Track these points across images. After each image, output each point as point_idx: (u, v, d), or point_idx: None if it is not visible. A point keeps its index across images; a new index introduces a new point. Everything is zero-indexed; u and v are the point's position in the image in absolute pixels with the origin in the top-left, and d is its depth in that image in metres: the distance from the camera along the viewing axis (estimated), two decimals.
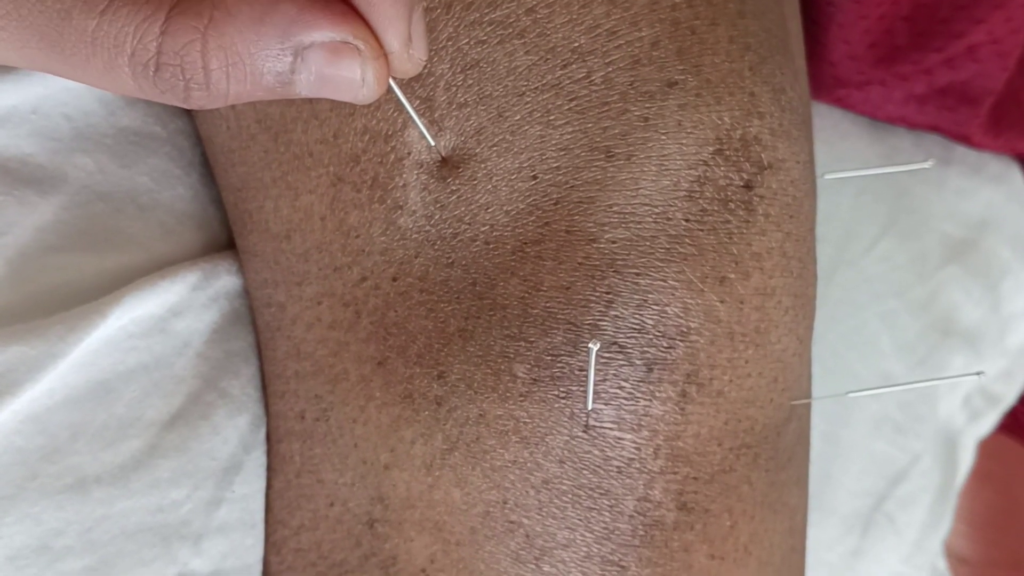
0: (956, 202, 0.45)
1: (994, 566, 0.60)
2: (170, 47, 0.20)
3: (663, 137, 0.25)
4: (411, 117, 0.25)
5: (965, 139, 0.45)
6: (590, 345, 0.24)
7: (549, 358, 0.26)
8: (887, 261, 0.44)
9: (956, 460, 0.47)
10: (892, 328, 0.44)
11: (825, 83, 0.42)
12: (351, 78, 0.20)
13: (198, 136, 0.31)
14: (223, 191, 0.30)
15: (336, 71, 0.20)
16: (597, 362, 0.25)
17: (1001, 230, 0.46)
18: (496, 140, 0.26)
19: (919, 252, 0.44)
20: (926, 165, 0.30)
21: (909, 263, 0.44)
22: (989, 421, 0.49)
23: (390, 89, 0.22)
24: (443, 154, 0.26)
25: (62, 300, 0.27)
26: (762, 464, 0.28)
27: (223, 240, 0.31)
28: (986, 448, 0.51)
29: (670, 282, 0.25)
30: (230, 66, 0.20)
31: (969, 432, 0.48)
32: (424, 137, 0.26)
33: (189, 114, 0.31)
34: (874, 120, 0.45)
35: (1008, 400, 0.50)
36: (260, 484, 0.30)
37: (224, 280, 0.30)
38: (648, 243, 0.25)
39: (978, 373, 0.31)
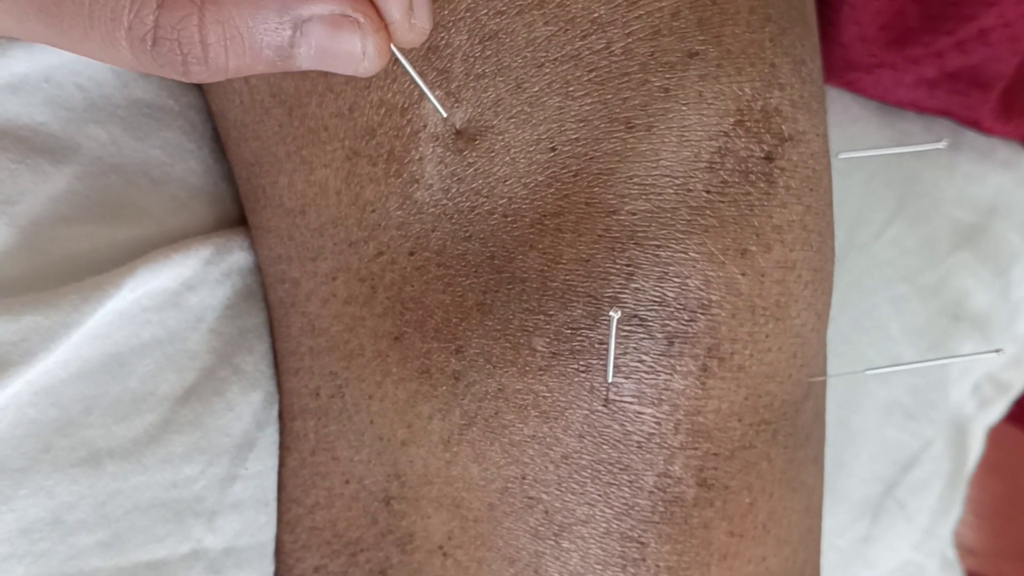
0: (966, 187, 0.45)
1: (1002, 557, 0.60)
2: (167, 21, 0.20)
3: (683, 108, 0.25)
4: (419, 87, 0.24)
5: (975, 124, 0.45)
6: (611, 314, 0.24)
7: (569, 331, 0.25)
8: (897, 246, 0.43)
9: (966, 447, 0.47)
10: (902, 313, 0.43)
11: (836, 66, 0.42)
12: (351, 51, 0.20)
13: (210, 111, 0.31)
14: (235, 166, 0.30)
15: (336, 44, 0.20)
16: (617, 335, 0.25)
17: (1011, 216, 0.46)
18: (514, 112, 0.25)
19: (929, 237, 0.44)
20: (940, 145, 0.30)
21: (919, 248, 0.44)
22: (998, 408, 0.49)
23: (396, 60, 0.22)
24: (456, 125, 0.26)
25: (75, 271, 0.27)
26: (781, 441, 0.28)
27: (235, 215, 0.31)
28: (994, 439, 0.51)
29: (691, 254, 0.25)
30: (228, 40, 0.20)
31: (979, 419, 0.48)
32: (435, 108, 0.25)
33: (201, 88, 0.31)
34: (884, 104, 0.44)
35: (1017, 387, 0.50)
36: (273, 462, 0.29)
37: (237, 256, 0.30)
38: (669, 215, 0.25)
39: (997, 351, 0.30)
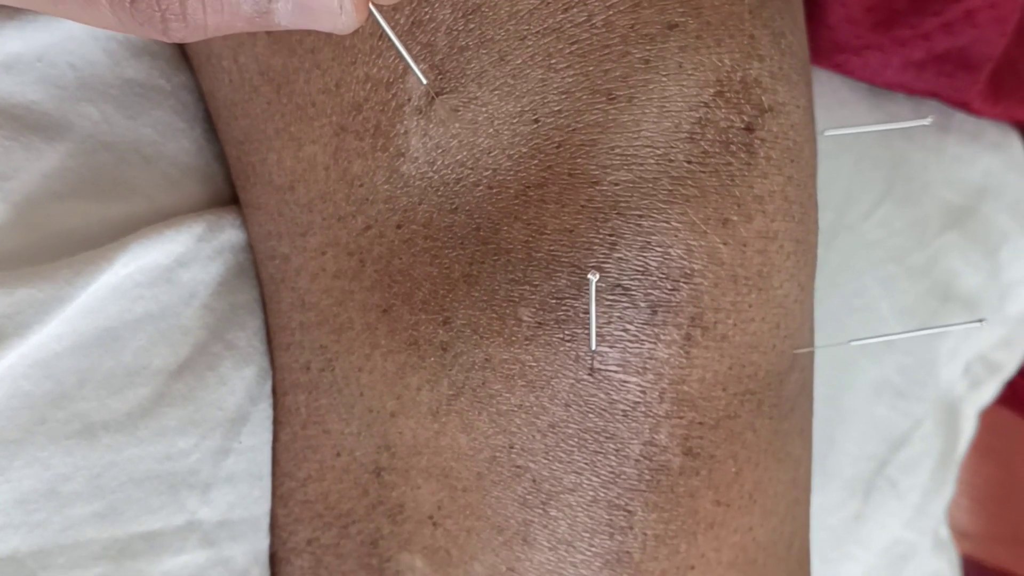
0: (955, 169, 0.46)
1: (995, 540, 0.60)
2: None
3: (664, 79, 0.26)
4: (399, 52, 0.24)
5: (964, 106, 0.45)
6: (589, 277, 0.24)
7: (554, 301, 0.26)
8: (886, 227, 0.44)
9: (958, 427, 0.47)
10: (891, 293, 0.44)
11: (823, 48, 0.42)
12: (329, 6, 0.20)
13: (201, 91, 0.31)
14: (225, 145, 0.30)
15: None
16: (601, 304, 0.25)
17: (1000, 197, 0.46)
18: (497, 84, 0.26)
19: (918, 218, 0.44)
20: (925, 122, 0.31)
21: (908, 229, 0.44)
22: (990, 390, 0.49)
23: (381, 33, 0.22)
24: (432, 91, 0.26)
25: (68, 246, 0.28)
26: (766, 411, 0.28)
27: (227, 195, 0.32)
28: (987, 422, 0.52)
29: (673, 223, 0.26)
30: None
31: (970, 400, 0.48)
32: (415, 73, 0.25)
33: (192, 68, 0.31)
34: (873, 87, 0.45)
35: (1008, 369, 0.50)
36: (267, 436, 0.30)
37: (229, 233, 0.30)
38: (650, 185, 0.26)
39: (979, 321, 0.31)
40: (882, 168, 0.44)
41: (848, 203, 0.43)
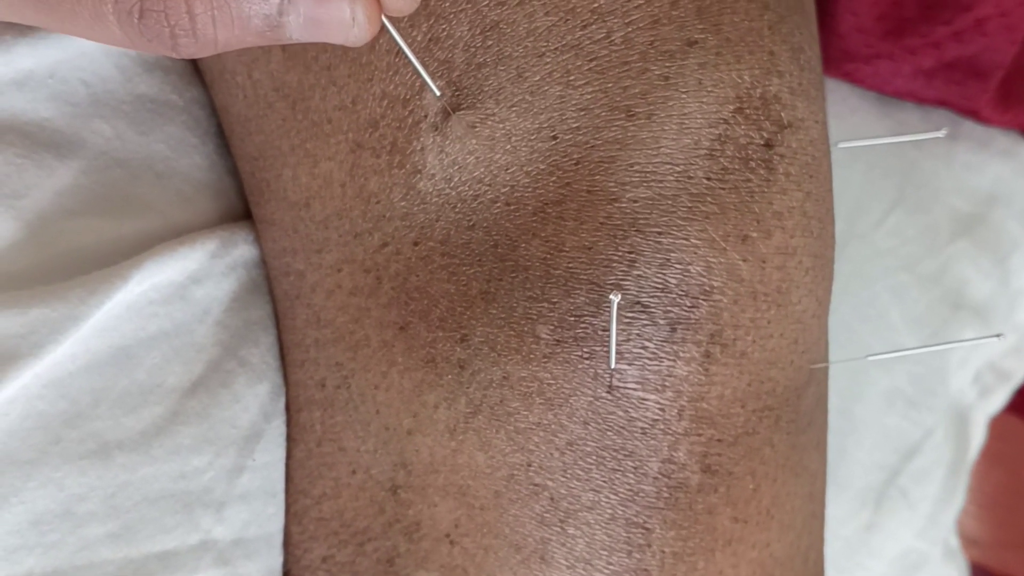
0: (965, 177, 0.46)
1: (1005, 547, 0.60)
2: None
3: (683, 96, 0.25)
4: (409, 59, 0.24)
5: (973, 114, 0.45)
6: (611, 297, 0.24)
7: (572, 319, 0.26)
8: (897, 235, 0.44)
9: (968, 435, 0.47)
10: (902, 301, 0.44)
11: (834, 57, 0.42)
12: (340, 18, 0.20)
13: (214, 106, 0.31)
14: (239, 161, 0.30)
15: (325, 11, 0.20)
16: (620, 322, 0.25)
17: (1010, 205, 0.46)
18: (515, 100, 0.26)
19: (928, 226, 0.44)
20: (939, 134, 0.31)
21: (919, 237, 0.44)
22: (1000, 397, 0.49)
23: (397, 50, 0.22)
24: (448, 106, 0.26)
25: (81, 264, 0.27)
26: (783, 427, 0.28)
27: (239, 210, 0.31)
28: (996, 429, 0.52)
29: (692, 241, 0.25)
30: (216, 10, 0.20)
31: (980, 408, 0.48)
32: (425, 81, 0.25)
33: (204, 83, 0.31)
34: (882, 95, 0.45)
35: (1018, 376, 0.50)
36: (280, 453, 0.30)
37: (242, 249, 0.30)
38: (670, 202, 0.25)
39: (997, 336, 0.31)
40: (893, 176, 0.44)
41: (859, 212, 0.43)
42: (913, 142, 0.44)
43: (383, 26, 0.22)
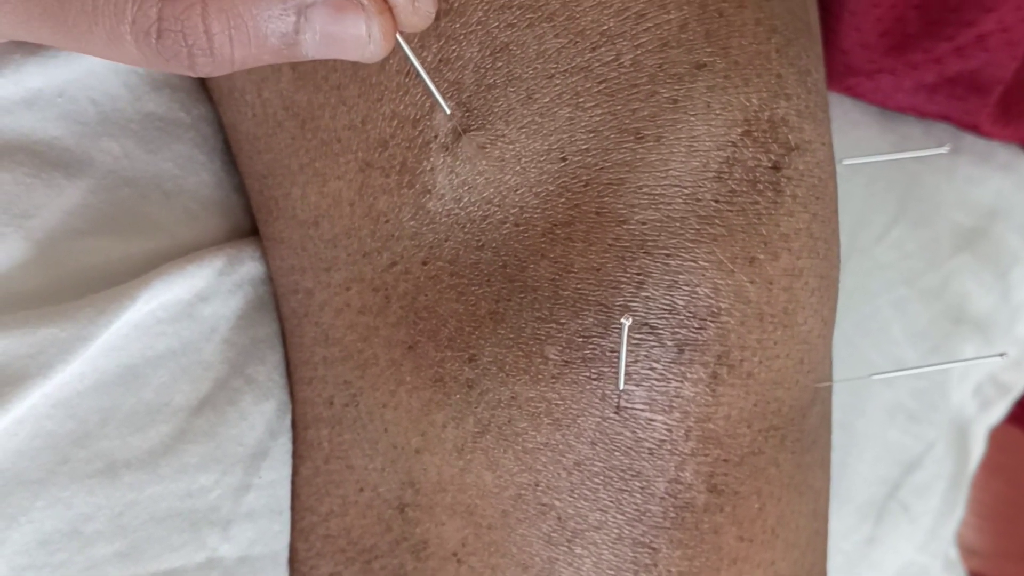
0: (966, 191, 0.46)
1: (1004, 557, 0.60)
2: (171, 12, 0.20)
3: (692, 119, 0.25)
4: (421, 77, 0.24)
5: (974, 128, 0.45)
6: (622, 320, 0.24)
7: (580, 340, 0.26)
8: (898, 249, 0.44)
9: (968, 448, 0.48)
10: (904, 316, 0.44)
11: (836, 71, 0.42)
12: (357, 35, 0.20)
13: (221, 123, 0.31)
14: (247, 179, 0.30)
15: (341, 28, 0.20)
16: (628, 343, 0.25)
17: (1011, 219, 0.47)
18: (525, 122, 0.26)
19: (930, 240, 0.45)
20: (942, 150, 0.31)
21: (920, 251, 0.44)
22: (1000, 409, 0.50)
23: (408, 67, 0.22)
24: (458, 126, 0.26)
25: (90, 284, 0.27)
26: (789, 446, 0.28)
27: (246, 227, 0.31)
28: (996, 440, 0.52)
29: (700, 263, 0.26)
30: (232, 29, 0.20)
31: (980, 421, 0.48)
32: (438, 103, 0.25)
33: (213, 101, 0.31)
34: (884, 109, 0.45)
35: (1018, 389, 0.50)
36: (287, 471, 0.30)
37: (248, 266, 0.30)
38: (678, 224, 0.26)
39: (1001, 355, 0.31)
40: (894, 191, 0.44)
41: (860, 226, 0.43)
42: (915, 157, 0.44)
43: (395, 44, 0.22)
